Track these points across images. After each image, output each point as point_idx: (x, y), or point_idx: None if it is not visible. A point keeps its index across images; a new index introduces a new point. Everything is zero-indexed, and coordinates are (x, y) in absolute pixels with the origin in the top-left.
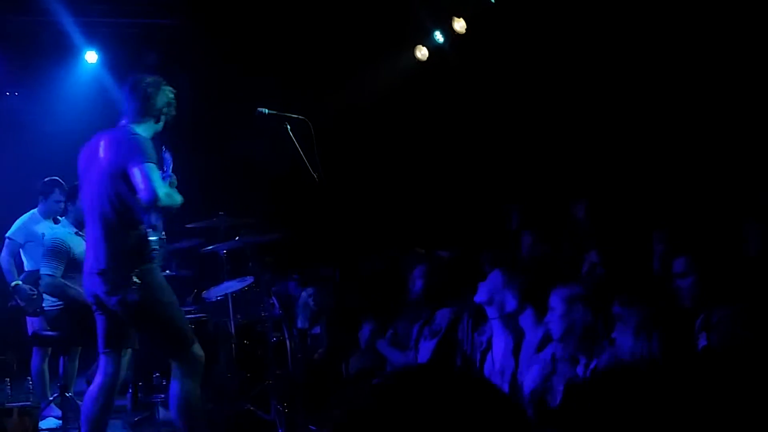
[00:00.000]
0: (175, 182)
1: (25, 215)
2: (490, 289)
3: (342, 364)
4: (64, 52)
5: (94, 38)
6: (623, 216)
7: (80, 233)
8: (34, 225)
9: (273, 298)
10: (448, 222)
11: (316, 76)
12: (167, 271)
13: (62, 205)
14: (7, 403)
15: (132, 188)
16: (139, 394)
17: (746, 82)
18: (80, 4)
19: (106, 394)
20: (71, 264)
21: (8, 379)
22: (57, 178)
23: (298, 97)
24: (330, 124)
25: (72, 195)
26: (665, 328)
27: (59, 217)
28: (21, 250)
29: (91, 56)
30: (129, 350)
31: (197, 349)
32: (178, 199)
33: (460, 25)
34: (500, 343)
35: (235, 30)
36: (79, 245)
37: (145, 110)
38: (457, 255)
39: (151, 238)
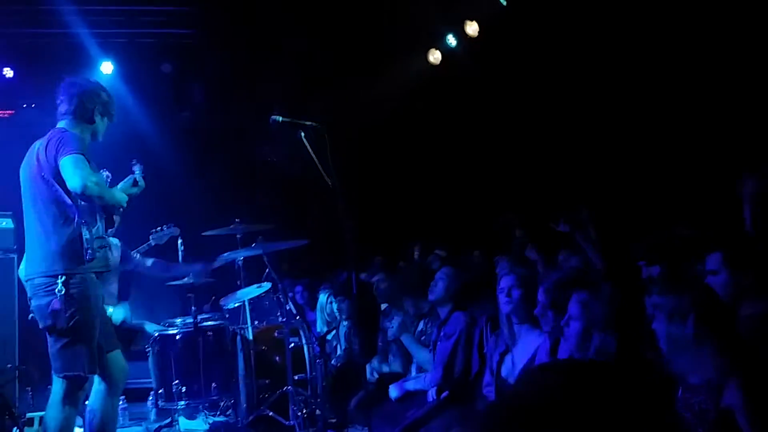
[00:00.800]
0: (139, 190)
1: None
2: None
3: (363, 368)
4: (80, 64)
5: (110, 49)
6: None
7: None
8: None
9: (290, 303)
10: (460, 224)
11: (330, 82)
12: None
13: None
14: (29, 412)
15: (63, 187)
16: (160, 402)
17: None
18: (96, 16)
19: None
20: None
21: (30, 389)
22: None
23: (311, 104)
24: (343, 130)
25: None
26: (700, 312)
27: None
28: None
29: (107, 67)
30: None
31: (82, 383)
32: (120, 197)
33: (472, 28)
34: (523, 346)
35: (248, 38)
36: None
37: (79, 112)
38: (477, 257)
39: (85, 236)
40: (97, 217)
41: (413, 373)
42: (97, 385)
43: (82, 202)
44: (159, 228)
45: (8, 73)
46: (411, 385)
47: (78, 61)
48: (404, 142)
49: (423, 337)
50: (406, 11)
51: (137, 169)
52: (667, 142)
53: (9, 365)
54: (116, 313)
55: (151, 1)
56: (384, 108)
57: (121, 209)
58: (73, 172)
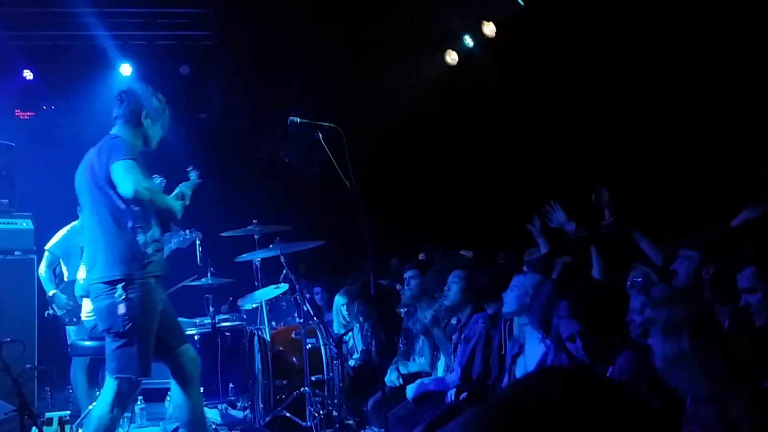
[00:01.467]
0: (186, 200)
1: (65, 228)
2: (520, 296)
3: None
4: (99, 66)
5: (129, 52)
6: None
7: None
8: (74, 238)
9: (307, 305)
10: (476, 225)
11: (347, 82)
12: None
13: None
14: (48, 412)
15: (114, 190)
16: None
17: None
18: (115, 19)
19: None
20: None
21: (48, 389)
22: None
23: (328, 105)
24: (360, 131)
25: None
26: (694, 326)
27: None
28: (62, 261)
29: (126, 69)
30: None
31: (132, 384)
32: (173, 204)
33: (490, 29)
34: (533, 347)
35: (265, 40)
36: None
37: (129, 119)
38: (494, 258)
39: (140, 240)
40: (152, 222)
41: (440, 371)
42: (174, 385)
43: (136, 207)
44: (182, 232)
45: (28, 75)
46: (430, 386)
47: (97, 63)
48: (421, 142)
49: (454, 335)
50: (423, 12)
51: (193, 175)
52: (693, 142)
53: (28, 365)
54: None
55: (170, 3)
56: (401, 109)
57: (177, 217)
58: (124, 177)
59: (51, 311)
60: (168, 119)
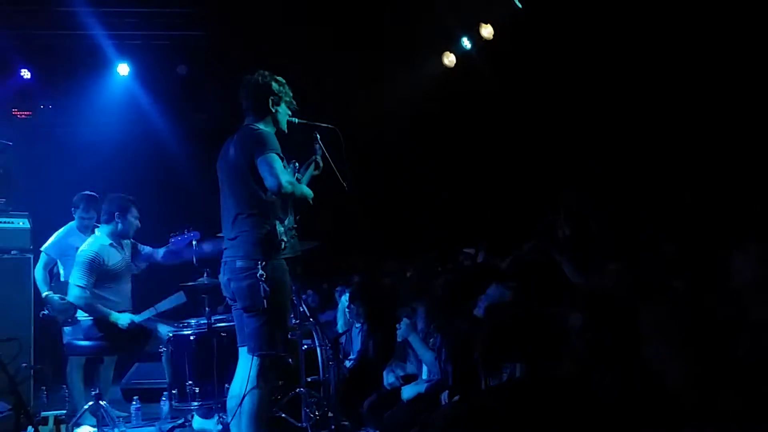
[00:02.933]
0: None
1: (61, 229)
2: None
3: (377, 370)
4: (97, 66)
5: (126, 51)
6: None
7: (115, 245)
8: (70, 238)
9: (303, 306)
10: (476, 226)
11: (344, 83)
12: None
13: (86, 221)
14: (43, 411)
15: (260, 182)
16: (174, 402)
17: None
18: (112, 18)
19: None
20: (106, 275)
21: (44, 388)
22: (89, 192)
23: (326, 106)
24: (357, 132)
25: (124, 207)
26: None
27: (97, 226)
28: (59, 262)
29: (123, 69)
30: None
31: (280, 360)
32: (308, 192)
33: (487, 31)
34: None
35: (263, 40)
36: (113, 257)
37: (258, 107)
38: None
39: (279, 230)
40: (289, 210)
41: (424, 375)
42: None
43: (277, 199)
44: (180, 232)
45: (26, 74)
46: (424, 388)
47: (95, 63)
48: (418, 144)
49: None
50: (421, 13)
51: (318, 147)
52: (690, 145)
53: (24, 364)
54: (122, 318)
55: (167, 3)
56: (398, 110)
57: (310, 203)
58: (270, 172)
59: (46, 311)
60: (291, 97)
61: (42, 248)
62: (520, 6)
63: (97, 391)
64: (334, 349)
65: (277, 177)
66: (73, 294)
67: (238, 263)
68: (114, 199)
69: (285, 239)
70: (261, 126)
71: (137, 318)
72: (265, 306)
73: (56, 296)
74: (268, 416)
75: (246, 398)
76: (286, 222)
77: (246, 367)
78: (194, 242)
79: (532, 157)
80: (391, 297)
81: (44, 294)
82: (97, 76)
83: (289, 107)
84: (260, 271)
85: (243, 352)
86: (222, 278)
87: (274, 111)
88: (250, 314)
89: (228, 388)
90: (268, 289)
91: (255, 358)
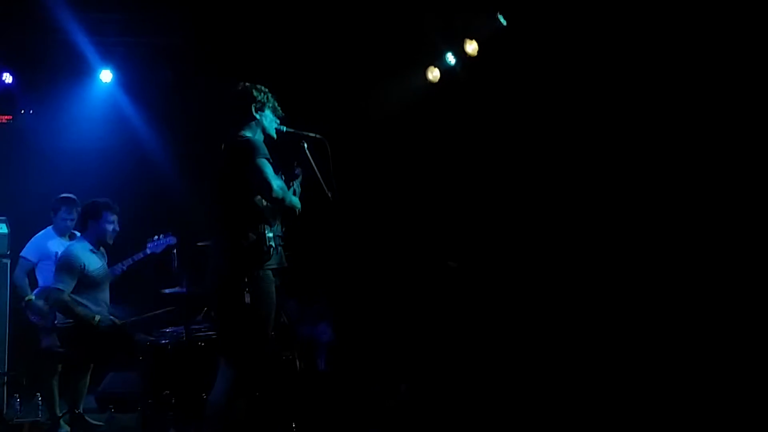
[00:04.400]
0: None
1: (39, 233)
2: None
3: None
4: (80, 71)
5: (109, 58)
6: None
7: (95, 251)
8: (48, 242)
9: (283, 317)
10: (458, 238)
11: (328, 95)
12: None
13: (68, 222)
14: (17, 418)
15: (247, 191)
16: (148, 412)
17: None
18: (95, 24)
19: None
20: (85, 281)
21: (17, 395)
22: (68, 195)
23: (309, 116)
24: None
25: (94, 213)
26: None
27: (76, 233)
28: (35, 269)
29: (106, 75)
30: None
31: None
32: (296, 202)
33: (472, 47)
34: None
35: (248, 49)
36: (94, 263)
37: (241, 115)
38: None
39: (268, 235)
40: (277, 218)
41: None
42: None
43: (267, 205)
44: (156, 237)
45: (7, 78)
46: None
47: (77, 68)
48: (401, 158)
49: None
50: (406, 28)
51: (299, 171)
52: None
53: None
54: (104, 320)
55: (150, 8)
56: (381, 124)
57: (296, 213)
58: (261, 177)
59: (27, 318)
60: (275, 103)
61: (21, 253)
62: (504, 23)
63: (72, 399)
64: (312, 360)
65: (268, 182)
66: (53, 297)
67: (223, 272)
68: (86, 205)
69: (273, 245)
70: (248, 134)
71: (118, 320)
72: (247, 319)
73: (40, 301)
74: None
75: (214, 408)
76: (274, 229)
77: (225, 377)
78: (173, 250)
79: (514, 172)
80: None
81: (27, 298)
82: (80, 81)
83: (275, 114)
84: (245, 281)
85: (222, 363)
86: (206, 287)
87: (258, 117)
88: (231, 324)
89: (206, 398)
90: (249, 300)
91: (230, 369)
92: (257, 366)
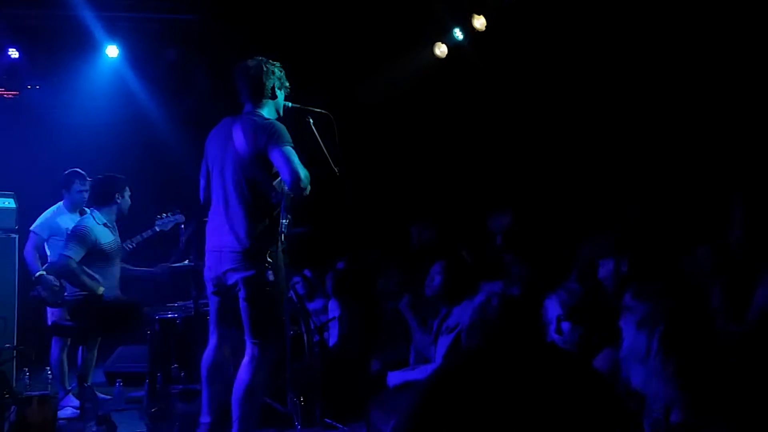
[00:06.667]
0: None
1: (50, 209)
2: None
3: (361, 356)
4: (86, 47)
5: (116, 33)
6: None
7: (109, 225)
8: (58, 218)
9: (291, 292)
10: (462, 217)
11: (336, 71)
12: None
13: (85, 195)
14: (26, 392)
15: (267, 172)
16: (157, 386)
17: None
18: None
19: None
20: (98, 254)
21: (27, 369)
22: (77, 169)
23: (316, 93)
24: (348, 120)
25: (113, 187)
26: (669, 326)
27: (86, 209)
28: (45, 244)
29: (112, 51)
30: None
31: (281, 346)
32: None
33: (480, 22)
34: None
35: (255, 25)
36: (107, 236)
37: (260, 93)
38: (475, 252)
39: (282, 222)
40: (289, 204)
41: (411, 360)
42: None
43: (287, 190)
44: (164, 214)
45: (13, 53)
46: (412, 375)
47: (84, 43)
48: (409, 134)
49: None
50: (414, 3)
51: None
52: (673, 139)
53: (7, 345)
54: (108, 292)
55: None
56: (390, 100)
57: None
58: (289, 165)
59: (36, 293)
60: (287, 82)
61: (31, 228)
62: None
63: (81, 373)
64: (319, 335)
65: (296, 171)
66: (60, 263)
67: (244, 253)
68: (111, 179)
69: (284, 231)
70: (265, 113)
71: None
72: (271, 294)
73: (51, 276)
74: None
75: (245, 387)
76: (284, 212)
77: (221, 348)
78: (181, 225)
79: (523, 150)
80: (371, 285)
81: (38, 274)
82: (86, 57)
83: (286, 92)
84: (267, 260)
85: (215, 337)
86: (215, 268)
87: (275, 98)
88: (254, 302)
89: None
90: (273, 277)
91: (255, 346)
92: (282, 341)
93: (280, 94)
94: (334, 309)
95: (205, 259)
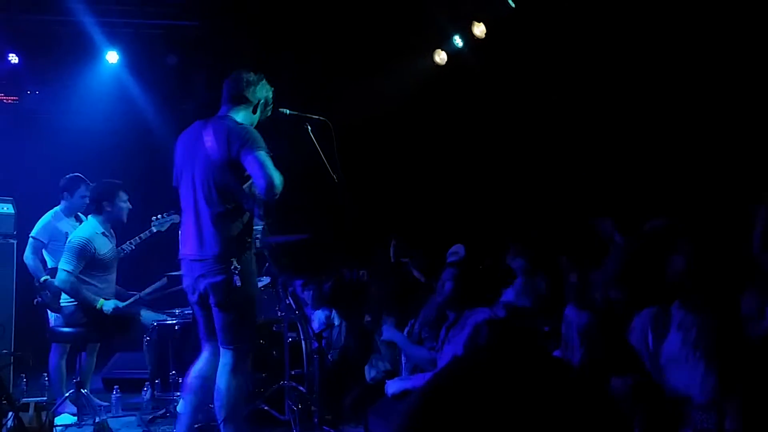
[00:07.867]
0: None
1: (48, 214)
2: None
3: (358, 365)
4: (86, 52)
5: (116, 39)
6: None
7: (107, 233)
8: (57, 223)
9: (289, 298)
10: (463, 225)
11: (335, 78)
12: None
13: (86, 201)
14: (23, 398)
15: (239, 177)
16: (156, 392)
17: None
18: (102, 5)
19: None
20: (96, 263)
21: (24, 375)
22: (80, 174)
23: (316, 100)
24: (348, 127)
25: (111, 193)
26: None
27: (82, 216)
28: (44, 249)
29: (112, 56)
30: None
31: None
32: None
33: (480, 29)
34: None
35: (254, 32)
36: (105, 245)
37: (242, 98)
38: (485, 259)
39: (255, 227)
40: (261, 208)
41: (404, 373)
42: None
43: (257, 194)
44: (160, 215)
45: (13, 59)
46: (410, 383)
47: (84, 49)
48: (408, 141)
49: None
50: (414, 11)
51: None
52: (675, 141)
53: (5, 350)
54: (107, 303)
55: None
56: (389, 107)
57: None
58: (267, 170)
59: (40, 299)
60: (270, 105)
61: (31, 234)
62: (513, 5)
63: (78, 380)
64: (318, 342)
65: (270, 176)
66: (59, 278)
67: (213, 259)
68: (99, 186)
69: (255, 235)
70: (239, 119)
71: (122, 304)
72: (238, 301)
73: (55, 281)
74: (250, 409)
75: (225, 392)
76: (256, 220)
77: (212, 361)
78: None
79: (523, 156)
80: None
81: (42, 279)
82: (86, 63)
83: (264, 116)
84: (235, 265)
85: (208, 348)
86: (189, 275)
87: (254, 112)
88: (223, 308)
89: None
90: (240, 283)
91: (228, 351)
92: (253, 344)
93: (259, 113)
94: (333, 317)
95: (181, 267)
